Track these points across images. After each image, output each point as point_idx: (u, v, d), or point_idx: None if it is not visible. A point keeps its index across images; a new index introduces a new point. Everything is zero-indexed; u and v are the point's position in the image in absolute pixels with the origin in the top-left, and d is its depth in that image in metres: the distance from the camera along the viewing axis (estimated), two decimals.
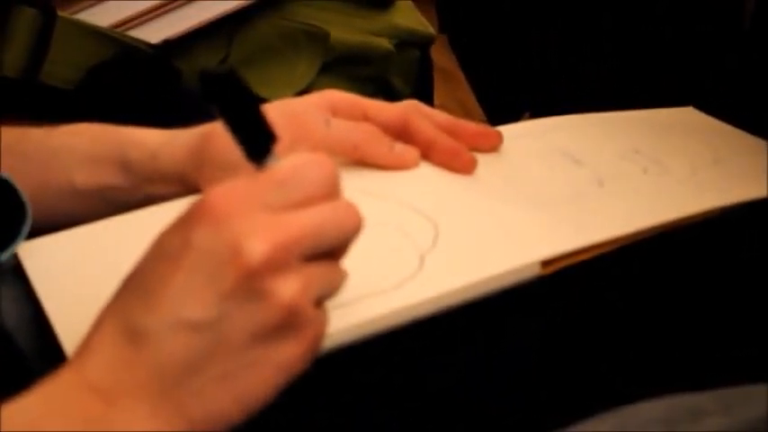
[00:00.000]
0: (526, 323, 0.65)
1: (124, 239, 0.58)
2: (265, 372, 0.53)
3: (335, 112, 0.75)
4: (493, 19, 1.30)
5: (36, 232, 0.69)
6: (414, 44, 1.10)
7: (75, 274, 0.66)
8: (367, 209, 0.69)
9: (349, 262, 0.61)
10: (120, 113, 0.86)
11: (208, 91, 0.53)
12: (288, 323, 0.53)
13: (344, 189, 0.71)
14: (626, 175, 0.77)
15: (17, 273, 0.67)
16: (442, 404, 0.60)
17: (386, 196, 0.72)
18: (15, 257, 0.67)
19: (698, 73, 1.04)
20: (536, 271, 0.66)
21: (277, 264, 0.52)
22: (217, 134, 0.72)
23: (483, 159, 0.77)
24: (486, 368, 0.63)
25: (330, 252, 0.55)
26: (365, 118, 0.76)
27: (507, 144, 0.80)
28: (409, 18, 1.09)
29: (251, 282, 0.52)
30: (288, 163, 0.55)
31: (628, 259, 0.68)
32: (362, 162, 0.75)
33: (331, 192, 0.55)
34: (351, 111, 0.76)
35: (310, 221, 0.53)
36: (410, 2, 1.10)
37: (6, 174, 0.67)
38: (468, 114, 1.66)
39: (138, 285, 0.54)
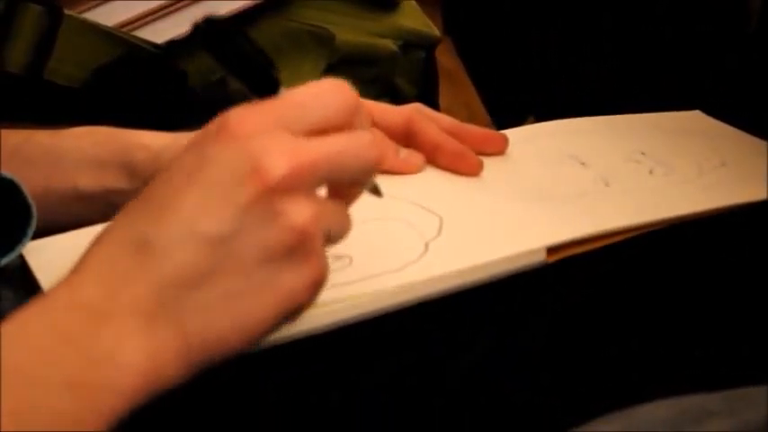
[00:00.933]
0: (531, 322, 0.65)
1: None
2: (269, 297, 0.53)
3: None
4: (498, 22, 1.29)
5: (40, 235, 0.69)
6: (419, 46, 1.10)
7: None
8: (372, 206, 0.70)
9: (353, 248, 0.63)
10: (125, 113, 0.86)
11: (209, 43, 0.55)
12: (297, 248, 0.53)
13: None
14: (632, 176, 0.77)
15: (22, 273, 0.67)
16: (446, 401, 0.60)
17: (391, 195, 0.72)
18: (20, 258, 0.67)
19: (702, 74, 1.03)
20: (542, 257, 0.66)
21: (294, 185, 0.52)
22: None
23: (488, 162, 0.77)
24: (491, 367, 0.62)
25: (344, 188, 0.56)
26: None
27: (513, 147, 0.80)
28: (414, 20, 1.08)
29: (267, 199, 0.51)
30: (308, 87, 0.55)
31: (634, 258, 0.68)
32: None
33: (351, 120, 0.55)
34: None
35: (329, 148, 0.53)
36: (415, 3, 1.10)
37: (12, 175, 0.66)
38: (473, 117, 1.65)
39: (148, 201, 0.53)
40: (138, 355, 0.50)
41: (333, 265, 0.61)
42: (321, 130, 0.54)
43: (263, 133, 0.52)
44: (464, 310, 0.64)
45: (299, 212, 0.52)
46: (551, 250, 0.66)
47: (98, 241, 0.54)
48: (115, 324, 0.50)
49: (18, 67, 0.91)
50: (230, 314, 0.52)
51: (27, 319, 0.51)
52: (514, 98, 1.32)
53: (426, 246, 0.66)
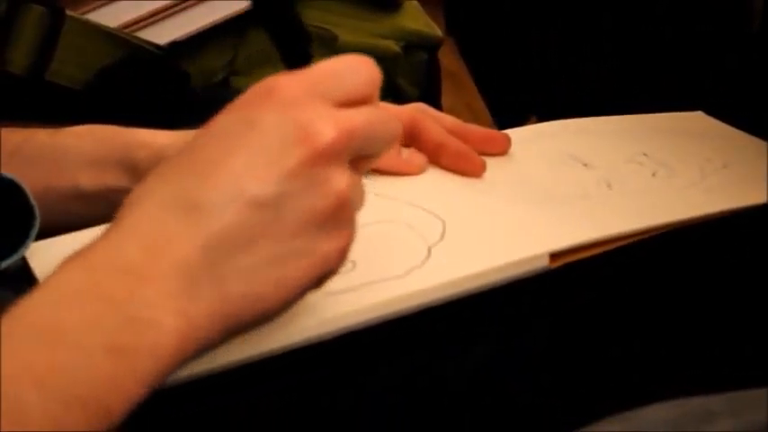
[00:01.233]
0: (534, 324, 0.65)
1: None
2: (307, 262, 0.54)
3: None
4: (500, 22, 1.30)
5: (41, 233, 0.69)
6: (421, 47, 1.10)
7: None
8: (375, 208, 0.70)
9: (357, 252, 0.61)
10: (128, 114, 0.86)
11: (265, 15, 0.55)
12: (335, 215, 0.54)
13: None
14: (634, 178, 0.77)
15: (24, 275, 0.67)
16: (449, 403, 0.60)
17: (394, 197, 0.72)
18: (22, 260, 0.67)
19: (704, 74, 1.03)
20: (544, 263, 0.66)
21: (338, 152, 0.53)
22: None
23: (491, 163, 0.77)
24: (494, 369, 0.62)
25: (361, 160, 0.57)
26: None
27: (515, 147, 0.80)
28: (417, 21, 1.08)
29: (315, 164, 0.53)
30: (339, 59, 0.56)
31: (637, 259, 0.68)
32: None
33: (375, 93, 0.57)
34: None
35: (364, 119, 0.55)
36: (417, 4, 1.10)
37: (15, 176, 0.66)
38: (476, 117, 1.65)
39: (193, 163, 0.53)
40: (179, 318, 0.50)
41: None
42: (352, 101, 0.55)
43: (310, 100, 0.54)
44: (466, 312, 0.64)
45: (341, 179, 0.54)
46: (554, 256, 0.66)
47: (136, 201, 0.53)
48: (157, 285, 0.50)
49: (20, 69, 0.91)
50: (271, 278, 0.53)
51: (66, 279, 0.50)
52: (516, 98, 1.32)
53: (429, 250, 0.66)
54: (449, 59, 1.29)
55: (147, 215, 0.52)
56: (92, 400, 0.47)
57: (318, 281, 0.56)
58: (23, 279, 0.67)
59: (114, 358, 0.48)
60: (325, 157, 0.53)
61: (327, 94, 0.54)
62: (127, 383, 0.49)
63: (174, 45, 0.94)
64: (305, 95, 0.54)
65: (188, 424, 0.56)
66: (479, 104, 1.43)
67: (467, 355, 0.62)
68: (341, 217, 0.55)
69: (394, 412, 0.59)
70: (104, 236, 0.52)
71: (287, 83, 0.54)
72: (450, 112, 1.45)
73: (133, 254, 0.51)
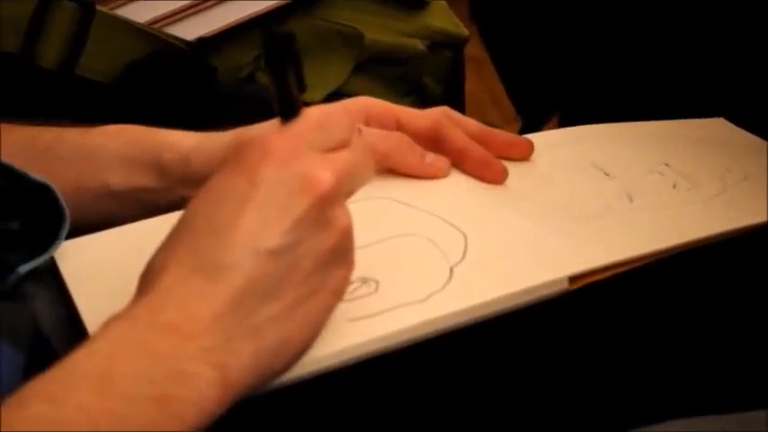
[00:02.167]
0: (547, 339, 0.66)
1: (158, 242, 0.59)
2: (325, 297, 0.59)
3: (369, 119, 0.76)
4: (526, 12, 1.29)
5: (72, 231, 0.70)
6: (447, 45, 1.10)
7: (109, 275, 0.67)
8: (399, 218, 0.71)
9: (380, 271, 0.66)
10: (155, 108, 0.87)
11: (267, 48, 0.59)
12: (341, 248, 0.59)
13: (377, 197, 0.73)
14: (655, 191, 0.78)
15: (53, 274, 0.68)
16: (459, 417, 0.61)
17: (417, 205, 0.73)
18: (51, 258, 0.68)
19: (730, 77, 1.03)
20: (564, 286, 0.67)
21: (338, 193, 0.59)
22: (250, 138, 0.73)
23: (513, 169, 0.77)
24: (504, 383, 0.63)
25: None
26: (398, 125, 0.77)
27: (538, 153, 0.80)
28: (443, 19, 1.09)
29: (321, 208, 0.57)
30: (316, 110, 0.62)
31: (652, 276, 0.69)
32: (394, 171, 0.76)
33: (352, 135, 0.62)
34: (383, 118, 0.77)
35: (351, 159, 0.60)
36: (444, 3, 1.10)
37: (47, 180, 0.67)
38: (496, 104, 1.66)
39: (204, 228, 0.57)
40: (219, 371, 0.54)
41: (360, 290, 0.64)
42: (336, 147, 0.61)
43: (303, 152, 0.58)
44: (479, 326, 0.65)
45: (344, 216, 0.59)
46: (573, 278, 0.67)
47: (162, 267, 0.57)
48: (196, 342, 0.54)
49: (51, 63, 0.92)
50: (297, 320, 0.57)
51: (114, 334, 0.54)
52: (539, 91, 1.32)
53: (451, 271, 0.67)
54: (472, 45, 1.29)
55: (178, 279, 0.56)
56: None
57: (333, 308, 0.60)
58: (55, 277, 0.68)
59: (160, 407, 0.52)
60: (328, 201, 0.58)
61: (315, 143, 0.59)
62: (172, 430, 0.52)
63: (202, 41, 0.95)
64: (298, 148, 0.58)
65: None
66: (501, 91, 1.44)
67: (478, 368, 0.63)
68: (345, 249, 0.59)
69: (400, 425, 0.60)
70: (142, 297, 0.56)
71: (279, 140, 0.58)
72: (472, 98, 1.46)
73: (172, 314, 0.55)
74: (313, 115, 0.61)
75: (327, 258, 0.58)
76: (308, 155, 0.58)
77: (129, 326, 0.54)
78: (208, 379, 0.53)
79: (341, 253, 0.59)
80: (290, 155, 0.58)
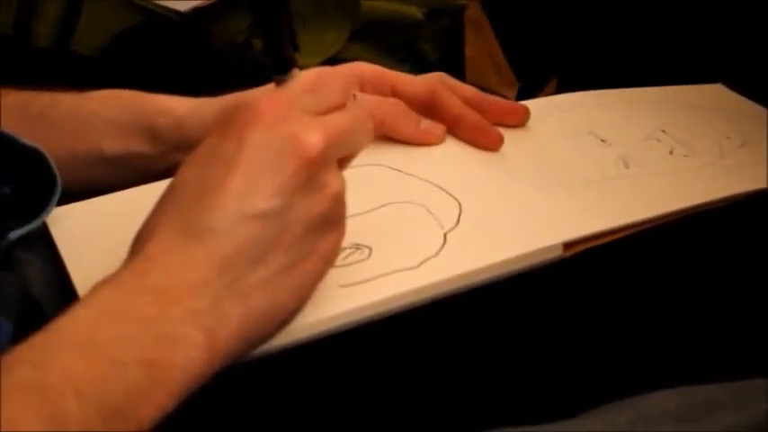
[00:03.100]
0: (541, 310, 0.66)
1: (150, 208, 0.59)
2: (315, 262, 0.58)
3: (363, 85, 0.76)
4: None
5: (62, 197, 0.70)
6: (445, 12, 1.10)
7: (102, 242, 0.67)
8: (393, 185, 0.71)
9: (373, 238, 0.66)
10: (149, 78, 0.86)
11: (258, 6, 0.59)
12: (332, 214, 0.58)
13: (372, 164, 0.72)
14: (652, 157, 0.77)
15: (44, 240, 0.68)
16: (457, 387, 0.61)
17: (411, 172, 0.73)
18: (44, 224, 0.68)
19: (730, 42, 1.03)
20: (558, 253, 0.66)
21: (328, 157, 0.58)
22: (244, 103, 0.72)
23: (509, 135, 0.77)
24: (500, 353, 0.63)
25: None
26: (393, 92, 0.77)
27: (534, 120, 0.80)
28: None
29: (309, 171, 0.56)
30: (309, 73, 0.61)
31: (648, 243, 0.69)
32: (389, 137, 0.76)
33: (346, 99, 0.61)
34: (378, 84, 0.76)
35: (344, 122, 0.59)
36: None
37: (38, 145, 0.67)
38: (496, 67, 1.65)
39: (196, 191, 0.56)
40: (206, 334, 0.54)
41: (352, 256, 0.63)
42: (330, 109, 0.59)
43: (292, 115, 0.57)
44: (474, 296, 0.64)
45: (335, 181, 0.58)
46: (568, 244, 0.67)
47: (152, 232, 0.56)
48: (184, 305, 0.54)
49: (45, 41, 0.91)
50: (287, 285, 0.57)
51: (101, 299, 0.53)
52: (538, 55, 1.31)
53: (445, 237, 0.66)
54: (472, 9, 1.28)
55: (165, 244, 0.55)
56: (126, 410, 0.50)
57: (324, 274, 0.59)
58: (47, 243, 0.68)
59: (147, 372, 0.51)
60: (317, 164, 0.57)
61: (307, 106, 0.58)
62: (158, 395, 0.51)
63: (196, 10, 0.94)
64: (288, 111, 0.57)
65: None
66: (500, 54, 1.43)
67: (474, 337, 0.63)
68: (336, 214, 0.59)
69: (401, 393, 0.60)
70: (129, 263, 0.56)
71: (269, 102, 0.58)
72: (473, 60, 1.45)
73: (158, 278, 0.54)
74: (306, 78, 0.60)
75: (318, 223, 0.58)
76: (298, 117, 0.58)
77: (115, 290, 0.54)
78: (195, 342, 0.53)
79: (332, 218, 0.58)
80: (280, 118, 0.57)
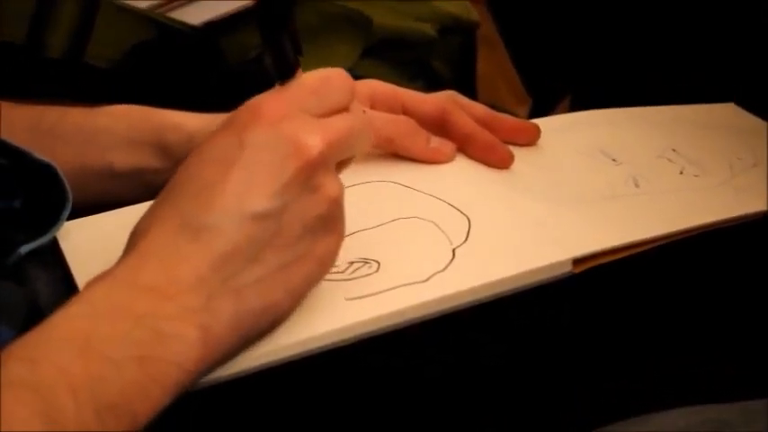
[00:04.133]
0: (549, 326, 0.65)
1: None
2: (310, 263, 0.58)
3: (374, 102, 0.76)
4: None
5: (73, 212, 0.70)
6: (457, 30, 1.10)
7: (111, 256, 0.66)
8: (402, 201, 0.71)
9: (382, 252, 0.66)
10: (161, 93, 0.86)
11: (261, 11, 0.59)
12: (330, 215, 0.59)
13: (381, 180, 0.72)
14: (662, 176, 0.77)
15: (54, 254, 0.68)
16: (459, 400, 0.61)
17: (421, 189, 0.73)
18: (53, 239, 0.68)
19: (742, 61, 1.02)
20: (567, 269, 0.66)
21: (327, 159, 0.58)
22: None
23: (520, 154, 0.77)
24: (512, 369, 0.63)
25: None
26: (404, 110, 0.77)
27: (545, 138, 0.80)
28: (454, 4, 1.08)
29: (309, 174, 0.57)
30: (315, 74, 0.60)
31: (657, 261, 0.68)
32: (398, 154, 0.76)
33: (350, 101, 0.61)
34: (389, 102, 0.77)
35: (345, 125, 0.60)
36: None
37: (50, 160, 0.67)
38: (509, 84, 1.65)
39: (195, 188, 0.57)
40: (200, 331, 0.54)
41: (360, 270, 0.63)
42: (332, 111, 0.60)
43: (294, 116, 0.58)
44: (482, 309, 0.64)
45: (333, 184, 0.58)
46: (578, 261, 0.67)
47: (148, 228, 0.57)
48: (178, 302, 0.54)
49: (58, 53, 0.91)
50: (281, 285, 0.57)
51: (95, 296, 0.54)
52: (551, 72, 1.32)
53: (453, 253, 0.66)
54: (485, 26, 1.28)
55: (160, 240, 0.56)
56: (121, 407, 0.50)
57: (320, 277, 0.60)
58: (56, 258, 0.68)
59: (142, 368, 0.51)
60: (316, 166, 0.57)
61: (309, 108, 0.59)
62: (153, 391, 0.52)
63: (209, 25, 0.95)
64: (289, 112, 0.58)
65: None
66: (513, 73, 1.43)
67: (481, 352, 0.63)
68: (334, 217, 0.59)
69: (399, 405, 0.60)
70: (124, 259, 0.56)
71: (271, 102, 0.58)
72: (485, 78, 1.45)
73: (153, 275, 0.54)
74: (309, 79, 0.60)
75: (315, 225, 0.58)
76: (299, 118, 0.58)
77: (109, 287, 0.54)
78: (189, 339, 0.53)
79: (329, 221, 0.59)
80: (281, 118, 0.58)
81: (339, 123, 0.59)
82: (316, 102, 0.59)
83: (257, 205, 0.56)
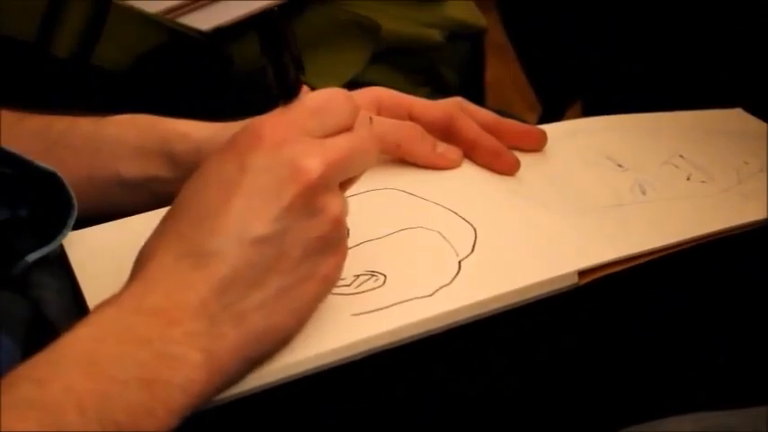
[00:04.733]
0: (557, 333, 0.65)
1: None
2: (314, 285, 0.59)
3: (381, 109, 0.76)
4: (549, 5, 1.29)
5: (82, 221, 0.70)
6: (465, 36, 1.10)
7: (118, 265, 0.66)
8: (408, 210, 0.71)
9: (387, 265, 0.66)
10: (170, 98, 0.86)
11: (261, 30, 0.60)
12: (332, 237, 0.59)
13: (387, 187, 0.72)
14: (669, 183, 0.77)
15: (61, 263, 0.68)
16: (465, 413, 0.61)
17: (427, 197, 0.73)
18: (59, 248, 0.68)
19: (751, 66, 1.02)
20: (573, 281, 0.66)
21: (328, 181, 0.58)
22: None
23: (526, 160, 0.77)
24: (518, 375, 0.63)
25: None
26: (410, 116, 0.77)
27: (552, 144, 0.80)
28: (461, 10, 1.08)
29: (309, 197, 0.57)
30: (317, 95, 0.61)
31: (663, 271, 0.68)
32: (405, 160, 0.76)
33: (353, 121, 0.61)
34: (396, 109, 0.77)
35: (347, 145, 0.60)
36: None
37: (54, 169, 0.68)
38: (519, 91, 1.65)
39: (196, 213, 0.58)
40: (204, 355, 0.55)
41: (367, 283, 0.63)
42: (334, 132, 0.60)
43: (294, 139, 0.58)
44: (491, 321, 0.64)
45: (336, 205, 0.58)
46: (583, 272, 0.67)
47: (152, 255, 0.58)
48: (182, 327, 0.55)
49: (66, 53, 0.92)
50: (285, 308, 0.58)
51: (102, 320, 0.55)
52: (561, 78, 1.32)
53: (459, 265, 0.66)
54: (495, 33, 1.28)
55: (165, 266, 0.57)
56: (127, 428, 0.51)
57: (324, 296, 0.60)
58: (63, 266, 0.68)
59: (147, 389, 0.52)
60: (316, 189, 0.58)
61: (311, 129, 0.59)
62: (159, 412, 0.52)
63: (218, 31, 0.95)
64: (290, 135, 0.58)
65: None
66: (523, 79, 1.43)
67: (485, 363, 0.63)
68: (336, 238, 0.59)
69: (406, 422, 0.60)
70: (130, 284, 0.57)
71: (272, 125, 0.59)
72: (496, 85, 1.45)
73: (158, 300, 0.55)
74: (311, 100, 0.60)
75: (317, 247, 0.58)
76: (300, 141, 0.58)
77: (116, 311, 0.55)
78: (193, 362, 0.54)
79: (332, 241, 0.59)
80: (281, 141, 0.58)
81: (341, 143, 0.59)
82: (317, 123, 0.60)
83: (258, 230, 0.56)
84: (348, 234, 0.67)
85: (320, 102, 0.60)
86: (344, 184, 0.61)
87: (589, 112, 1.21)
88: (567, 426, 0.61)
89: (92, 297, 0.65)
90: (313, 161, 0.57)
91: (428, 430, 0.60)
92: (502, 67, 1.62)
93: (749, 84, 1.00)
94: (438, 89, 1.06)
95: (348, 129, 0.61)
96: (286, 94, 0.60)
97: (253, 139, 0.58)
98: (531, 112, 1.53)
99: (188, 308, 0.55)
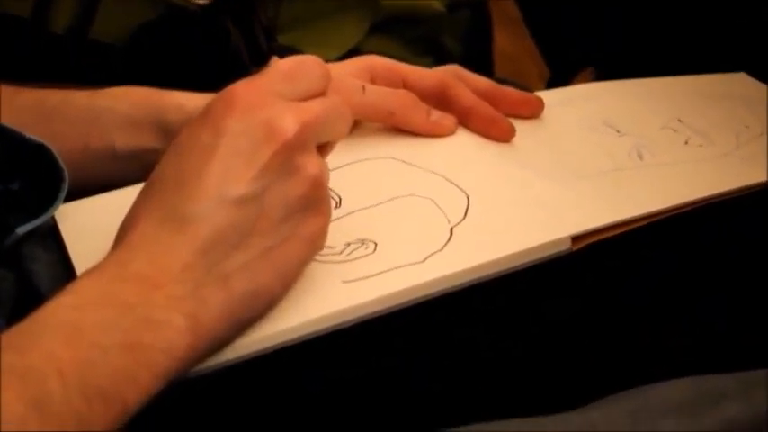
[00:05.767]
0: (553, 300, 0.65)
1: None
2: (297, 245, 0.59)
3: (374, 77, 0.76)
4: None
5: (75, 194, 0.70)
6: (466, 4, 1.09)
7: (109, 237, 0.66)
8: (401, 178, 0.71)
9: (379, 232, 0.66)
10: (167, 71, 0.86)
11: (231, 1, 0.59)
12: (313, 196, 0.59)
13: (380, 156, 0.72)
14: (667, 147, 0.76)
15: (53, 236, 0.68)
16: (453, 381, 0.60)
17: (420, 165, 0.72)
18: (51, 220, 0.68)
19: (758, 31, 1.01)
20: (567, 246, 0.66)
21: (304, 141, 0.59)
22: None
23: (522, 127, 0.76)
24: (511, 340, 0.63)
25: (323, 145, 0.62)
26: (405, 84, 0.77)
27: (549, 111, 0.79)
28: None
29: (286, 155, 0.58)
30: (288, 60, 0.62)
31: (656, 235, 0.68)
32: (399, 128, 0.75)
33: (325, 86, 0.62)
34: (389, 77, 0.76)
35: (321, 108, 0.60)
36: None
37: (44, 141, 0.68)
38: (532, 61, 1.64)
39: (175, 179, 0.58)
40: (189, 319, 0.55)
41: (357, 251, 0.63)
42: (307, 97, 0.61)
43: (268, 101, 0.59)
44: (485, 288, 0.64)
45: (313, 165, 0.59)
46: (577, 237, 0.66)
47: (133, 223, 0.58)
48: (165, 291, 0.55)
49: (62, 29, 0.92)
50: (271, 267, 0.58)
51: (84, 287, 0.55)
52: (572, 46, 1.31)
53: (451, 231, 0.66)
54: (508, 4, 1.28)
55: (146, 233, 0.57)
56: (110, 393, 0.51)
57: (309, 258, 0.60)
58: (55, 239, 0.68)
59: (130, 354, 0.52)
60: (292, 148, 0.58)
61: (283, 93, 0.60)
62: (143, 378, 0.52)
63: (216, 3, 0.94)
64: (263, 99, 0.59)
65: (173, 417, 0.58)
66: (534, 48, 1.42)
67: (475, 330, 0.63)
68: (317, 198, 0.59)
69: (405, 385, 0.60)
70: (113, 253, 0.57)
71: (245, 90, 0.59)
72: (510, 57, 1.44)
73: (140, 266, 0.56)
74: (283, 65, 0.61)
75: (298, 207, 0.59)
76: (272, 103, 0.59)
77: (98, 278, 0.55)
78: (177, 326, 0.54)
79: (313, 201, 0.59)
80: (254, 104, 0.58)
81: (313, 106, 0.60)
82: (289, 87, 0.60)
83: (237, 191, 0.57)
84: (340, 203, 0.68)
85: (291, 67, 0.61)
86: (322, 150, 0.61)
87: (602, 78, 1.20)
88: (560, 391, 0.60)
89: (82, 269, 0.65)
90: (287, 121, 0.58)
91: (417, 399, 0.59)
92: (513, 37, 1.61)
93: (754, 48, 0.99)
94: (440, 59, 1.05)
95: (320, 94, 0.61)
96: (257, 60, 0.60)
97: (226, 105, 0.59)
98: (543, 81, 1.52)
99: (171, 272, 0.55)
